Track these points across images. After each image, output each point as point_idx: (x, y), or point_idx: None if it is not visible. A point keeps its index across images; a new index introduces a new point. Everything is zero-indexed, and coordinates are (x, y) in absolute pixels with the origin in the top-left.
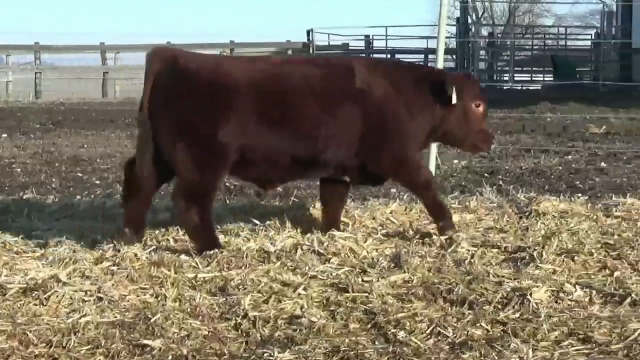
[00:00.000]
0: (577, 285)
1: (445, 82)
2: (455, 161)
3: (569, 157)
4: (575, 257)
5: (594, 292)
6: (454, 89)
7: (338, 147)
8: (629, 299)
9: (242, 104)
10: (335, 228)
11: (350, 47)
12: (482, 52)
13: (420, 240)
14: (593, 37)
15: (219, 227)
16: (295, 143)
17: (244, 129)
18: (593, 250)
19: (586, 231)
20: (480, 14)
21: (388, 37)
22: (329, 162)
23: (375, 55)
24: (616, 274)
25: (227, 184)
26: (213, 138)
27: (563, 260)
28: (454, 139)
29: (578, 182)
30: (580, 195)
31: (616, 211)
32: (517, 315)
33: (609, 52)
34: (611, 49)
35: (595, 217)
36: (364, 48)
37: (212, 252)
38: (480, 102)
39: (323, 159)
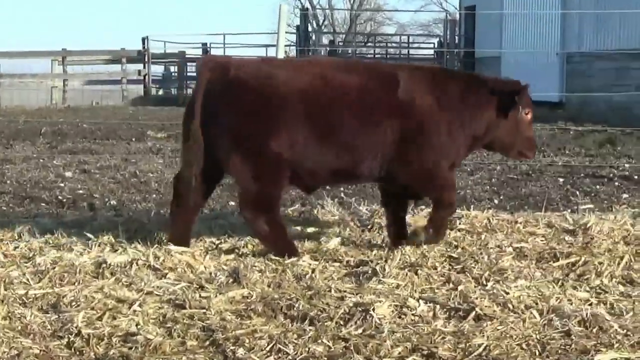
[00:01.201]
0: (420, 300)
1: (509, 91)
2: None
3: None
4: (419, 271)
5: (437, 306)
6: (517, 98)
7: (375, 157)
8: (473, 314)
9: (293, 112)
10: (402, 231)
11: (187, 56)
12: None
13: (260, 254)
14: (436, 46)
15: (50, 242)
16: (340, 151)
17: (295, 137)
18: (437, 264)
19: (430, 245)
20: (321, 21)
21: (226, 46)
22: (372, 170)
23: None
24: (460, 287)
25: (59, 197)
26: (268, 147)
27: (406, 274)
28: (502, 145)
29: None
30: (423, 207)
31: (460, 224)
32: (360, 331)
33: (453, 61)
34: (454, 58)
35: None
36: (201, 56)
37: (292, 258)
38: (529, 108)
39: (366, 167)
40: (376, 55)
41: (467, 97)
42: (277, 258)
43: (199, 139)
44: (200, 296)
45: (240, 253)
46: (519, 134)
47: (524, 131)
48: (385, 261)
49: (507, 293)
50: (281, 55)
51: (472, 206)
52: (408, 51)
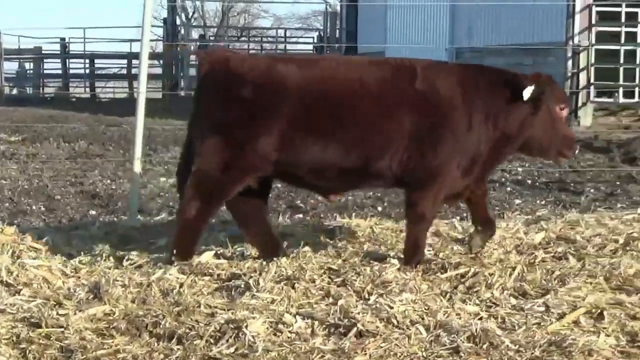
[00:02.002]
0: (297, 316)
1: (524, 83)
2: (162, 179)
3: None
4: (296, 285)
5: (316, 322)
6: (530, 89)
7: (385, 156)
8: (354, 330)
9: (291, 108)
10: (489, 221)
11: (43, 52)
12: (193, 57)
13: (124, 267)
14: (316, 41)
15: None
16: (345, 150)
17: (291, 135)
18: (315, 277)
19: (308, 255)
20: (190, 14)
21: (87, 40)
22: (382, 170)
23: (73, 60)
24: (341, 302)
25: None
26: (250, 142)
27: (282, 288)
28: (539, 147)
29: (299, 202)
30: (301, 215)
31: (341, 233)
32: (232, 350)
33: None
34: (335, 53)
35: (318, 239)
36: (59, 52)
37: (181, 261)
38: (564, 104)
39: (376, 167)
40: (251, 51)
41: (498, 95)
42: (144, 270)
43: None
44: (57, 314)
45: (101, 266)
46: (556, 132)
47: (560, 129)
48: (260, 274)
49: (391, 307)
50: (146, 52)
51: (353, 214)
52: (285, 46)
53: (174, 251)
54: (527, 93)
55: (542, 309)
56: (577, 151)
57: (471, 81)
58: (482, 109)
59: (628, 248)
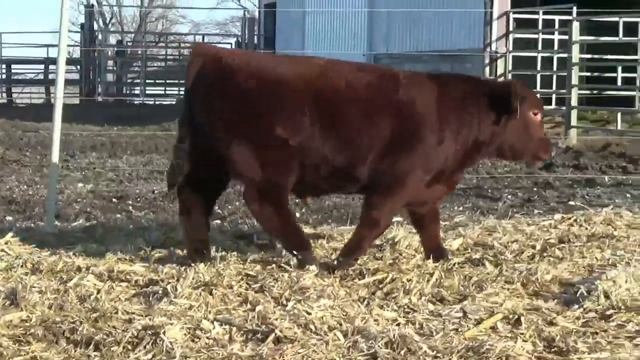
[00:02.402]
0: (215, 322)
1: (509, 94)
2: (80, 184)
3: None
4: (214, 291)
5: (234, 328)
6: (518, 101)
7: (367, 158)
8: (272, 336)
9: (285, 104)
10: (438, 249)
11: None
12: (110, 63)
13: (42, 274)
14: (234, 46)
15: None
16: (334, 151)
17: (298, 126)
18: (233, 283)
19: (226, 261)
20: (108, 19)
21: (3, 45)
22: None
23: None
24: (258, 308)
25: None
26: (273, 133)
27: (200, 294)
28: (514, 152)
29: (217, 208)
30: (219, 221)
31: (259, 239)
32: (149, 356)
33: None
34: None
35: (236, 245)
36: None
37: (304, 252)
38: (538, 109)
39: (359, 171)
40: (168, 57)
41: (468, 103)
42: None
43: (186, 129)
44: None
45: (18, 272)
46: (531, 137)
47: (535, 133)
48: (177, 280)
49: (309, 313)
50: (63, 57)
51: None
52: None
53: (296, 252)
54: (514, 103)
55: (460, 314)
56: (553, 153)
57: (448, 91)
58: (456, 120)
59: (545, 254)
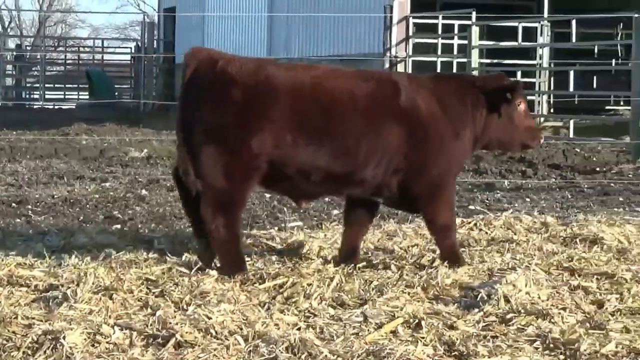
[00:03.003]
0: (116, 327)
1: (498, 87)
2: None
3: (107, 184)
4: (114, 295)
5: (134, 333)
6: (508, 94)
7: (374, 166)
8: (172, 341)
9: (279, 112)
10: (354, 256)
11: None
12: (9, 67)
13: None
14: (133, 51)
15: None
16: (331, 157)
17: (279, 139)
18: (134, 287)
19: (126, 266)
20: (7, 23)
21: None
22: (365, 180)
23: None
24: (159, 313)
25: None
26: (246, 146)
27: (100, 299)
28: (503, 143)
29: (117, 212)
30: (119, 226)
31: (159, 243)
32: None
33: (151, 68)
34: (153, 64)
35: (137, 249)
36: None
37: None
38: (521, 99)
39: (359, 176)
40: (68, 61)
41: (462, 100)
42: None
43: (181, 130)
44: None
45: None
46: (517, 127)
47: (522, 123)
48: (77, 285)
49: (210, 318)
50: None
51: (173, 224)
52: (102, 56)
53: (228, 269)
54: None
55: (361, 319)
56: (542, 140)
57: (446, 90)
58: (461, 118)
59: None
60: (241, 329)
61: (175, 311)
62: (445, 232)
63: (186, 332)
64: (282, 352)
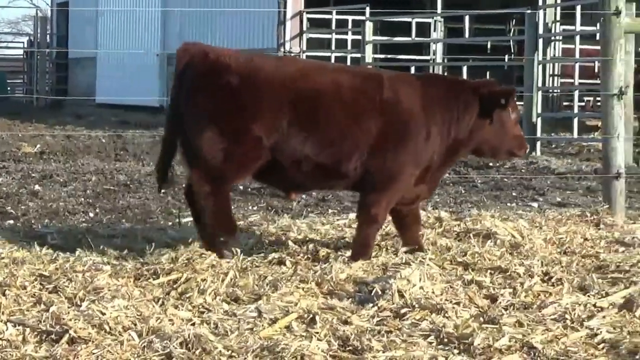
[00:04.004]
0: (8, 323)
1: (493, 92)
2: None
3: None
4: (7, 292)
5: (27, 329)
6: (503, 100)
7: (355, 156)
8: (66, 337)
9: (270, 103)
10: (420, 250)
11: None
12: None
13: None
14: (26, 45)
15: None
16: (319, 149)
17: (273, 126)
18: (27, 284)
19: (19, 262)
20: None
21: None
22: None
23: None
24: (52, 309)
25: None
26: (243, 132)
27: None
28: (491, 149)
29: (9, 208)
30: (12, 221)
31: (52, 239)
32: None
33: (44, 62)
34: (46, 59)
35: (30, 245)
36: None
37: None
38: (513, 107)
39: (345, 168)
40: None
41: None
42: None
43: (171, 123)
44: None
45: None
46: (506, 134)
47: (511, 131)
48: None
49: (104, 314)
50: None
51: (67, 219)
52: None
53: (221, 230)
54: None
55: (255, 314)
56: (527, 150)
57: (431, 91)
58: (439, 119)
59: (339, 253)
60: (135, 324)
61: (68, 307)
62: (370, 223)
63: (80, 328)
64: (176, 348)
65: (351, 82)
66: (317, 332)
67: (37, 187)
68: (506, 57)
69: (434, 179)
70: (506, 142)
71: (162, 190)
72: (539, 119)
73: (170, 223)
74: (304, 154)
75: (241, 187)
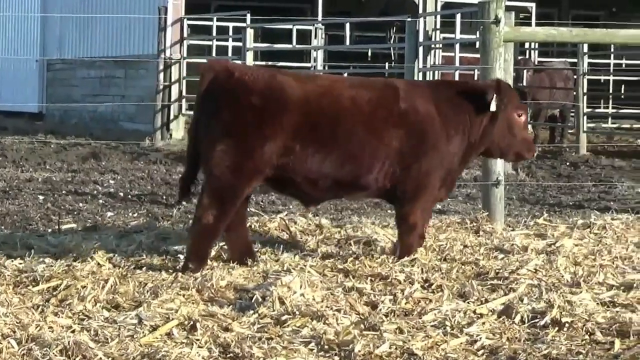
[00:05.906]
0: None
1: (487, 92)
2: None
3: None
4: None
5: None
6: (495, 98)
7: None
8: None
9: (290, 120)
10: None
11: None
12: None
13: None
14: None
15: None
16: (339, 164)
17: (289, 145)
18: None
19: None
20: None
21: None
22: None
23: None
24: None
25: None
26: (256, 148)
27: None
28: (500, 151)
29: None
30: None
31: None
32: None
33: None
34: None
35: None
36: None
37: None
38: (522, 110)
39: (365, 181)
40: None
41: (458, 105)
42: None
43: (192, 138)
44: None
45: None
46: (515, 136)
47: (519, 133)
48: None
49: None
50: None
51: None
52: None
53: (191, 256)
54: (493, 104)
55: (135, 321)
56: (536, 153)
57: (444, 96)
58: (456, 123)
59: (220, 260)
60: (14, 332)
61: None
62: (412, 232)
63: None
64: (56, 355)
65: (369, 95)
66: (198, 339)
67: None
68: (387, 64)
69: (451, 180)
70: (516, 144)
71: (181, 202)
72: None
73: (50, 230)
74: (323, 170)
75: (122, 194)
